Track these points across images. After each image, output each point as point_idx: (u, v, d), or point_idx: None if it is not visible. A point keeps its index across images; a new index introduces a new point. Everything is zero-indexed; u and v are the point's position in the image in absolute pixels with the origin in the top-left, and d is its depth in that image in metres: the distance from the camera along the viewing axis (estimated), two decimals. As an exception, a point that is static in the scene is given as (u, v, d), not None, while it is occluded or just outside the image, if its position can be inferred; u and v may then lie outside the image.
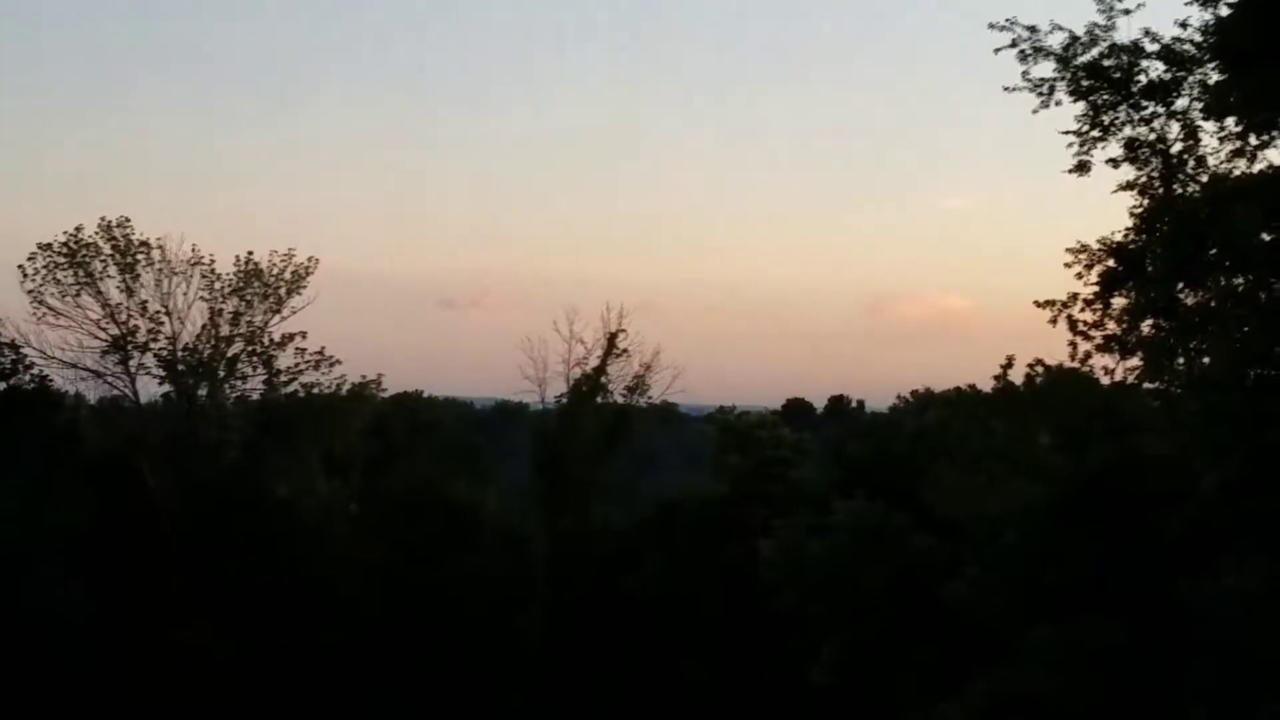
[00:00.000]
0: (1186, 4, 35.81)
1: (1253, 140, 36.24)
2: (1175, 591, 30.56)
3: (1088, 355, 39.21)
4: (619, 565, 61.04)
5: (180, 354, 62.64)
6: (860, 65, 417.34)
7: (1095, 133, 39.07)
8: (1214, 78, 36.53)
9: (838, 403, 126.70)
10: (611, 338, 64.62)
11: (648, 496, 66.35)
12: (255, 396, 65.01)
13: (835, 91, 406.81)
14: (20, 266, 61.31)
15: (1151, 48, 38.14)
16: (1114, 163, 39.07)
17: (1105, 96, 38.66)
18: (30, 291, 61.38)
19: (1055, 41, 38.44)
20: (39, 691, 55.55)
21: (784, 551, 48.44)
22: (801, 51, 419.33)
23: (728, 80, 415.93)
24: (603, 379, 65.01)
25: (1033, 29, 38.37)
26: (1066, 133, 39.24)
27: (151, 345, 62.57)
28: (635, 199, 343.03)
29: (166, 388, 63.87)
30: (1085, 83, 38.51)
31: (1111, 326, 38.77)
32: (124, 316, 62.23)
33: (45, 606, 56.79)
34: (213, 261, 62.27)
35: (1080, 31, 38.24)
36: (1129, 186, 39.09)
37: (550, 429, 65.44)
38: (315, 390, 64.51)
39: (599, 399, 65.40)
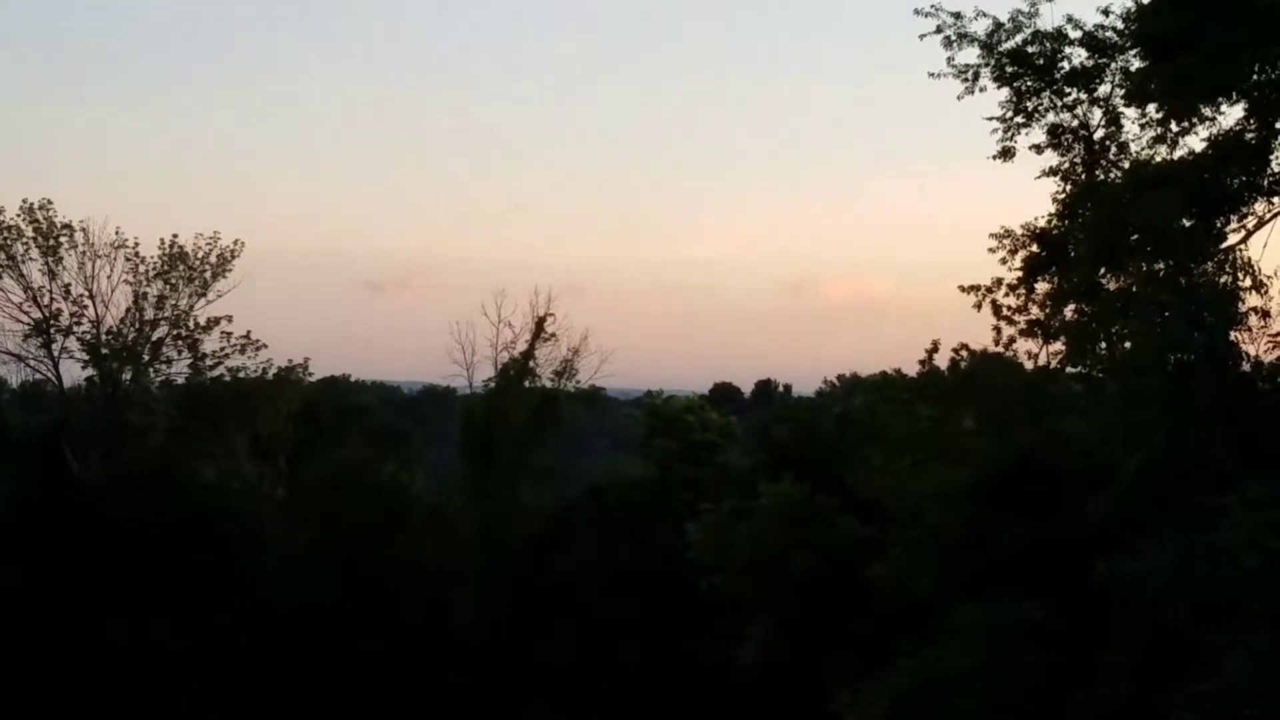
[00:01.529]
0: (1109, -9, 36.28)
1: (1174, 127, 36.81)
2: (1096, 572, 30.89)
3: (1011, 340, 39.78)
4: (548, 547, 61.18)
5: (104, 338, 62.18)
6: (789, 49, 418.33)
7: (1019, 119, 39.60)
8: (1136, 65, 37.06)
9: (764, 387, 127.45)
10: (539, 322, 64.64)
11: (576, 480, 66.48)
12: (181, 381, 64.62)
13: (762, 75, 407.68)
14: (-60, 249, 60.63)
15: (1075, 34, 38.71)
16: (1037, 149, 39.61)
17: (1029, 83, 39.15)
18: (-50, 274, 60.72)
19: (980, 28, 38.94)
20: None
21: (712, 534, 48.66)
22: (729, 35, 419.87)
23: (656, 65, 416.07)
24: (531, 363, 65.00)
25: (957, 15, 38.81)
26: (991, 119, 39.72)
27: (75, 329, 62.10)
28: (561, 181, 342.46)
29: (90, 372, 63.40)
30: (1009, 69, 38.99)
31: (1035, 311, 39.33)
32: (47, 300, 61.72)
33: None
34: (137, 245, 61.84)
35: (1004, 18, 38.72)
36: (1052, 172, 39.65)
37: (478, 413, 65.36)
38: (241, 374, 64.24)
39: (527, 383, 65.39)
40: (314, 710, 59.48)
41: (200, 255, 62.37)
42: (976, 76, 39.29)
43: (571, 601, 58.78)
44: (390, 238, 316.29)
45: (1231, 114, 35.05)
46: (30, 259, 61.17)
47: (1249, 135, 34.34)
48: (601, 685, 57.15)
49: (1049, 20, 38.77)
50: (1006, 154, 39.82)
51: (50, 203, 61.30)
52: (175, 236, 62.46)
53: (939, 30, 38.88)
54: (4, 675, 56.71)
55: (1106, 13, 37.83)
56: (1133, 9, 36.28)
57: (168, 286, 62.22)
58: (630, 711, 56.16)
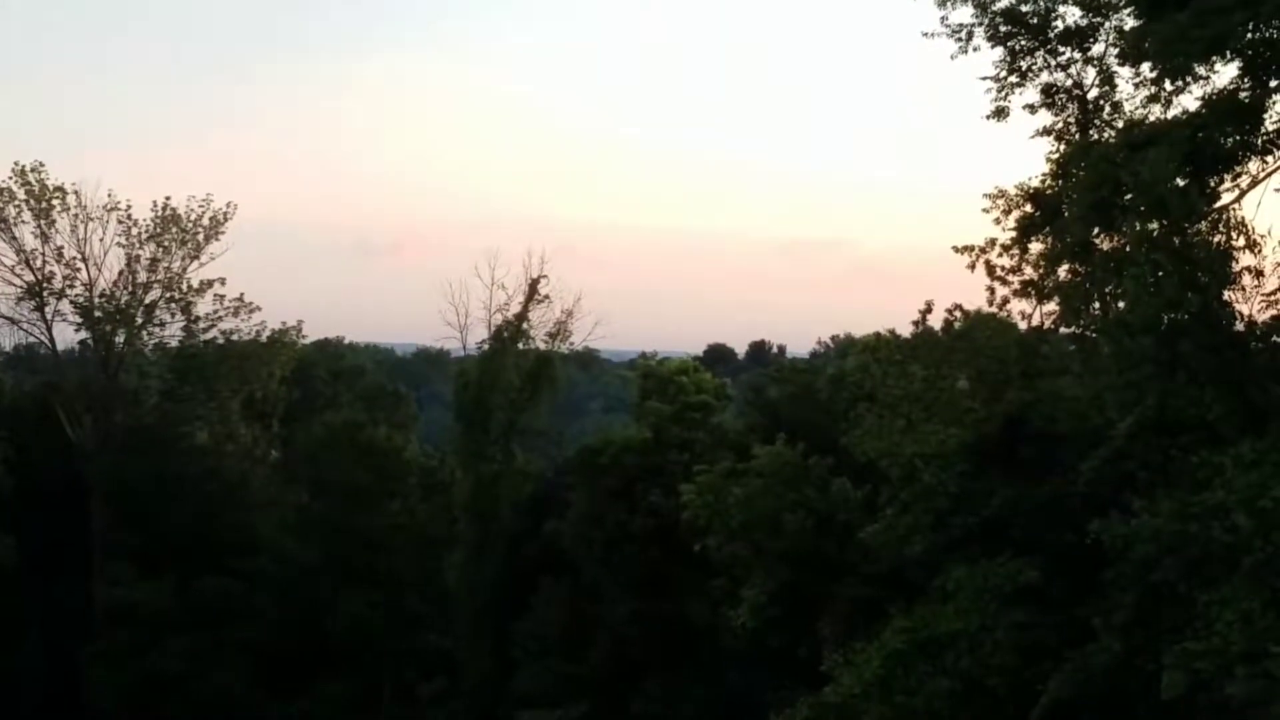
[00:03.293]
0: (1104, -51, 36.06)
1: (1168, 86, 36.52)
2: (1088, 531, 30.93)
3: (1005, 300, 39.67)
4: (542, 509, 61.28)
5: (97, 300, 62.10)
6: (786, 9, 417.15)
7: (1013, 79, 39.36)
8: (1130, 23, 36.80)
9: (759, 348, 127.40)
10: (533, 284, 64.62)
11: (570, 442, 66.52)
12: (174, 343, 64.58)
13: (756, 35, 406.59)
14: (-68, 212, 60.44)
15: (1069, -7, 38.39)
16: (1031, 108, 39.40)
17: (1023, 42, 38.91)
18: (-58, 237, 60.56)
19: (974, -13, 38.57)
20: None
21: (705, 495, 48.64)
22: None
23: (652, 21, 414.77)
24: (524, 325, 65.00)
25: (951, -27, 38.45)
26: (985, 79, 39.50)
27: (68, 292, 62.08)
28: (553, 143, 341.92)
29: (83, 335, 63.45)
30: (1003, 28, 38.73)
31: (1029, 272, 39.18)
32: (39, 263, 61.73)
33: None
34: (129, 208, 61.74)
35: (999, -24, 38.41)
36: (1046, 132, 39.44)
37: (472, 375, 65.36)
38: (234, 337, 64.21)
39: (521, 345, 65.38)
40: (305, 670, 59.69)
41: (193, 218, 62.36)
42: (970, 36, 39.04)
43: (564, 563, 58.88)
44: (383, 200, 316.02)
45: (1225, 73, 34.82)
46: (22, 222, 61.23)
47: (1243, 94, 34.14)
48: (594, 646, 57.29)
49: (1044, -21, 38.55)
50: (1000, 114, 39.61)
51: (42, 165, 61.24)
52: (168, 199, 62.37)
53: (932, -12, 38.67)
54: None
55: (1101, -29, 37.62)
56: (1127, -33, 36.05)
57: (160, 249, 62.21)
58: (623, 673, 56.34)
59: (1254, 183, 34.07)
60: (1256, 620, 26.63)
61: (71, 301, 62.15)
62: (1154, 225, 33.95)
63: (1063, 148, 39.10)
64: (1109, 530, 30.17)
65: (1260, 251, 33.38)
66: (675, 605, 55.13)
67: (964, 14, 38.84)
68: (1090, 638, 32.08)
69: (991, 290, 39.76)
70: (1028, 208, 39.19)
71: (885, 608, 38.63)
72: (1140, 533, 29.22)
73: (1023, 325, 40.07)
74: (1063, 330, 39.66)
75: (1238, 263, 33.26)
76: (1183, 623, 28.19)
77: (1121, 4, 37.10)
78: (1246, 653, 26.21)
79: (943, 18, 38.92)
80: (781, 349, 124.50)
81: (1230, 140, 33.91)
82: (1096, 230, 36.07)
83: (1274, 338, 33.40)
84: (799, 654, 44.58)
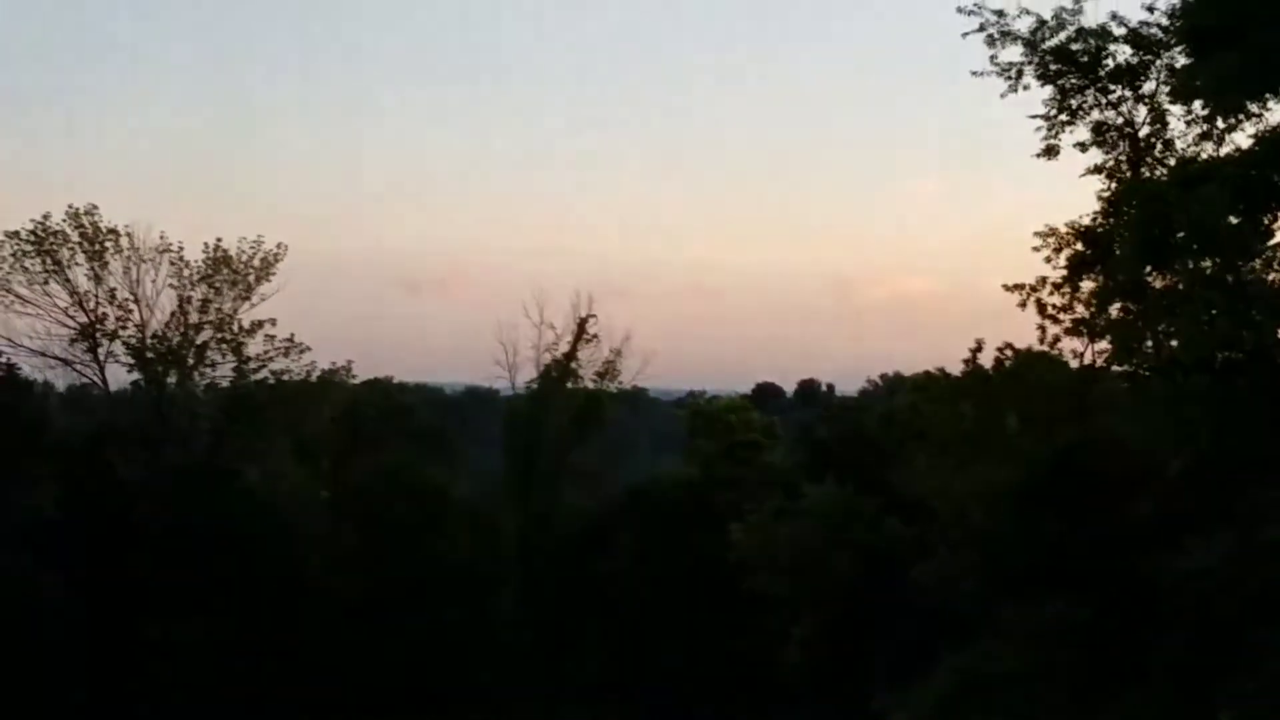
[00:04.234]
0: (1153, -13, 36.08)
1: (1219, 123, 36.57)
2: (1142, 571, 30.76)
3: (1056, 339, 39.60)
4: (590, 548, 61.23)
5: (149, 342, 62.32)
6: (829, 46, 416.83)
7: (1063, 117, 39.39)
8: (1181, 61, 36.80)
9: (808, 386, 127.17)
10: (581, 323, 64.71)
11: (619, 481, 66.49)
12: (225, 384, 64.74)
13: (802, 74, 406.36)
14: (-13, 255, 60.90)
15: (1119, 31, 38.46)
16: (1082, 146, 39.41)
17: (1073, 80, 38.94)
18: (-3, 279, 60.98)
19: (1023, 25, 38.73)
20: (11, 680, 55.36)
21: (755, 534, 48.65)
22: (768, 34, 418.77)
23: (694, 64, 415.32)
24: (573, 364, 65.10)
25: (1000, 13, 38.60)
26: (1035, 116, 39.53)
27: (120, 333, 62.23)
28: (601, 182, 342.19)
29: (136, 375, 63.55)
30: (1053, 67, 38.78)
31: (1080, 310, 39.12)
32: (92, 304, 61.88)
33: (15, 595, 56.60)
34: (181, 249, 61.98)
35: (1048, 15, 38.49)
36: (1097, 170, 39.45)
37: (521, 414, 65.47)
38: (285, 377, 64.26)
39: (569, 384, 65.46)
40: (354, 710, 59.68)
41: (244, 259, 62.48)
42: (1020, 74, 39.11)
43: (613, 602, 58.82)
44: (433, 240, 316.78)
45: (1278, 110, 34.82)
46: (76, 264, 61.37)
47: (1295, 131, 34.12)
48: (643, 685, 57.17)
49: (1093, 17, 38.61)
50: (1051, 152, 39.65)
51: (96, 208, 61.52)
52: (219, 240, 62.62)
53: (982, 28, 38.75)
54: (47, 674, 56.96)
55: (1151, 9, 37.62)
56: (1177, 5, 36.05)
57: (212, 290, 62.35)
58: (673, 713, 56.18)
59: (1307, 221, 33.95)
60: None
61: (124, 343, 62.44)
62: (1207, 263, 33.88)
63: (1114, 185, 39.07)
64: (1162, 569, 30.00)
65: (1315, 289, 33.26)
66: (726, 644, 54.99)
67: (1013, 53, 38.94)
68: (1143, 678, 31.87)
69: (1042, 329, 39.71)
70: (1079, 246, 39.15)
71: (936, 647, 38.45)
72: (1197, 571, 29.04)
73: (1074, 364, 39.98)
74: (1114, 369, 39.55)
75: (1292, 301, 33.13)
76: (1236, 662, 27.99)
77: (1172, 42, 37.08)
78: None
79: (992, 56, 39.04)
80: (830, 387, 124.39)
81: (1283, 177, 33.81)
82: (1148, 268, 35.97)
83: (1328, 376, 33.23)
84: (849, 693, 44.37)
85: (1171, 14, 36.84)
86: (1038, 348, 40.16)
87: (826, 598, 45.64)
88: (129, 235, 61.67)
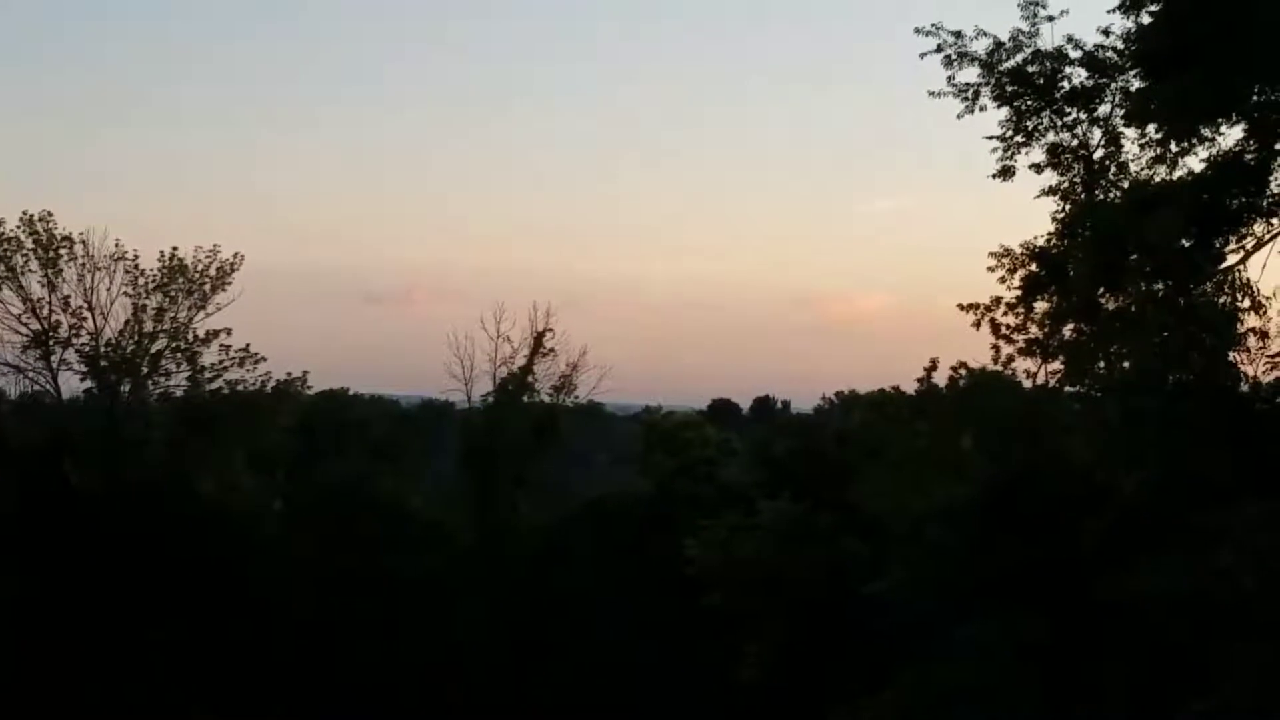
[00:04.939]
0: (1109, 11, 36.39)
1: (1173, 147, 36.81)
2: (1096, 590, 31.01)
3: (1010, 358, 39.74)
4: (547, 563, 61.21)
5: (103, 350, 62.05)
6: (792, 67, 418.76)
7: (1019, 138, 39.58)
8: (1135, 85, 37.11)
9: (763, 403, 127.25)
10: (538, 337, 64.62)
11: (575, 495, 66.48)
12: (179, 393, 64.46)
13: (767, 93, 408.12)
14: (-61, 261, 60.55)
15: (1075, 54, 38.72)
16: (1037, 168, 39.60)
17: (1029, 102, 39.17)
18: (-52, 286, 60.63)
19: (980, 47, 38.89)
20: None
21: (711, 550, 48.75)
22: (735, 53, 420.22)
23: (656, 79, 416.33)
24: (530, 377, 65.02)
25: (958, 34, 38.77)
26: (991, 138, 39.76)
27: (74, 341, 61.92)
28: (560, 195, 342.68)
29: (89, 384, 63.22)
30: (1009, 88, 38.99)
31: (1034, 330, 39.32)
32: (46, 311, 61.54)
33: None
34: (136, 257, 61.73)
35: (1005, 37, 38.74)
36: (1052, 191, 39.64)
37: (477, 427, 65.39)
38: (240, 387, 64.06)
39: (526, 398, 65.41)
40: (313, 724, 59.51)
41: (200, 268, 62.23)
42: (977, 95, 39.32)
43: (570, 616, 58.82)
44: (390, 251, 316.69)
45: (1231, 135, 35.14)
46: (30, 271, 61.05)
47: (1248, 156, 34.43)
48: (601, 700, 57.16)
49: (1049, 40, 38.84)
50: (1006, 173, 39.84)
51: (50, 215, 61.23)
52: (175, 249, 62.38)
53: (939, 49, 38.92)
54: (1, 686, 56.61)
55: (1107, 33, 37.87)
56: (1133, 29, 36.33)
57: (167, 299, 62.08)
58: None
59: (1259, 244, 34.33)
60: (1264, 679, 26.68)
61: (77, 350, 62.12)
62: (1159, 286, 34.23)
63: (1068, 207, 39.33)
64: (1117, 589, 30.26)
65: (1265, 313, 33.67)
66: (682, 660, 55.02)
67: (970, 74, 39.18)
68: (1099, 697, 32.13)
69: (996, 348, 39.88)
70: (1033, 267, 39.34)
71: (892, 664, 38.65)
72: (1148, 592, 29.30)
73: (1027, 384, 40.23)
74: (1068, 389, 39.83)
75: (1243, 324, 33.53)
76: (1191, 681, 28.24)
77: (1127, 66, 37.41)
78: (1255, 711, 26.26)
79: (949, 77, 39.26)
80: (786, 404, 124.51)
81: (1236, 202, 34.19)
82: (1102, 290, 36.31)
83: (1278, 399, 33.57)
84: (805, 709, 44.54)
85: (1126, 37, 37.13)
86: (992, 368, 40.41)
87: (782, 614, 45.78)
88: (84, 242, 61.40)
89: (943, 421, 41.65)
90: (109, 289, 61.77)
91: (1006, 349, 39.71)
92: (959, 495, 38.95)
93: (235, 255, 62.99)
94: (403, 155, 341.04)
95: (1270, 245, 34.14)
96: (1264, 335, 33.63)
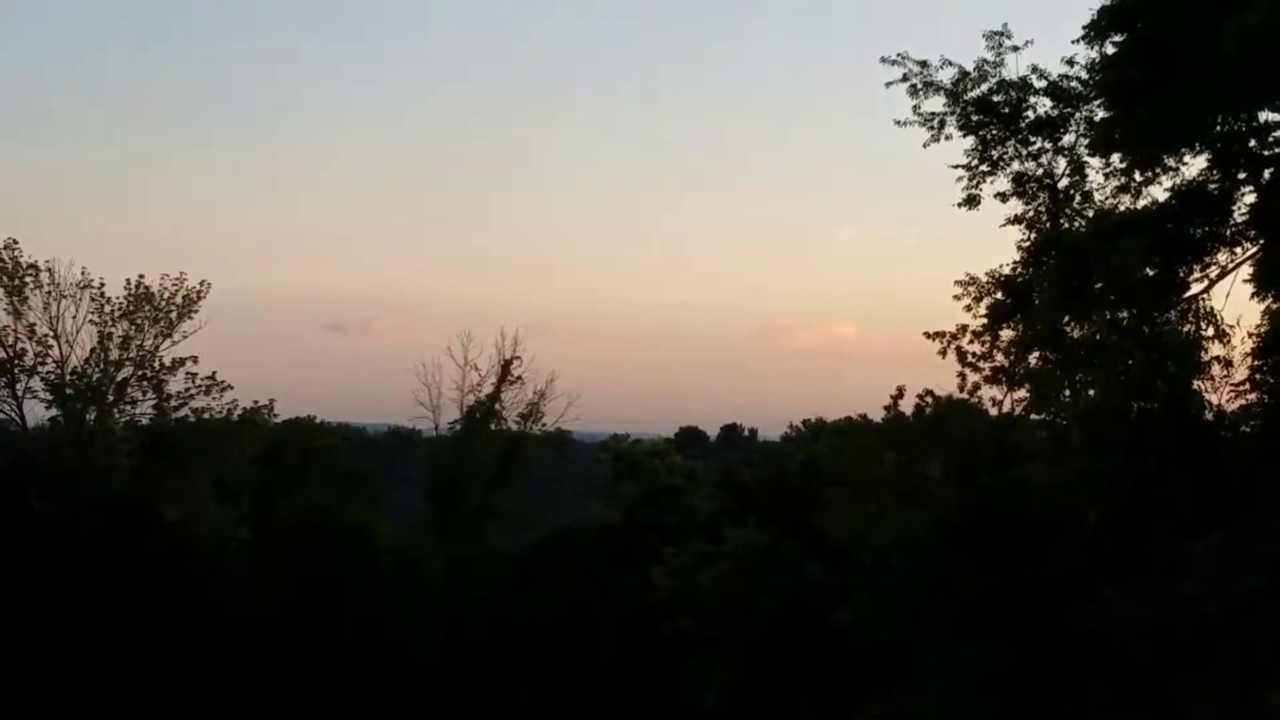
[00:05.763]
0: (1074, 42, 36.64)
1: (1137, 176, 37.09)
2: (1062, 619, 31.02)
3: (976, 386, 39.92)
4: (513, 591, 61.01)
5: (68, 378, 61.74)
6: (757, 95, 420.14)
7: (984, 167, 39.85)
8: (1100, 114, 37.35)
9: (730, 431, 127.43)
10: (506, 365, 64.55)
11: (542, 523, 66.32)
12: (145, 421, 64.14)
13: (731, 120, 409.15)
14: (-96, 288, 60.21)
15: (1039, 84, 39.04)
16: (1002, 196, 39.87)
17: (994, 131, 39.44)
18: (-87, 313, 60.27)
19: (945, 77, 39.20)
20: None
21: (676, 578, 48.66)
22: (701, 80, 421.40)
23: (618, 103, 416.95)
24: (497, 406, 64.92)
25: (923, 64, 39.03)
26: (956, 166, 39.96)
27: (39, 369, 61.58)
28: (526, 224, 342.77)
29: (54, 412, 62.84)
30: (975, 117, 39.25)
31: (1000, 358, 39.48)
32: (11, 339, 61.24)
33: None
34: (102, 285, 61.46)
35: (970, 67, 38.97)
36: (1017, 220, 39.91)
37: (444, 455, 65.21)
38: (206, 415, 63.79)
39: (493, 426, 65.28)
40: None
41: (166, 296, 61.98)
42: (942, 125, 39.57)
43: (536, 645, 58.63)
44: (353, 279, 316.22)
45: (1195, 164, 35.42)
46: (-5, 299, 60.75)
47: (1212, 185, 34.68)
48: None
49: (1014, 70, 39.16)
50: (972, 202, 40.06)
51: (16, 242, 60.94)
52: (141, 277, 62.11)
53: (905, 79, 39.19)
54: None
55: (1071, 63, 38.18)
56: (1097, 60, 36.60)
57: (133, 327, 61.80)
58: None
59: (1223, 273, 34.54)
60: (1229, 706, 26.72)
61: (43, 379, 61.76)
62: (1124, 314, 34.38)
63: (1033, 236, 39.52)
64: (1082, 618, 30.27)
65: (1229, 342, 33.85)
66: (648, 688, 54.86)
67: (936, 103, 39.41)
68: (1063, 725, 32.14)
69: (963, 376, 40.03)
70: (999, 295, 39.52)
71: (857, 692, 38.57)
72: (1112, 621, 29.32)
73: (993, 411, 40.32)
74: (1033, 417, 39.95)
75: (1207, 352, 33.69)
76: (1157, 709, 28.26)
77: (1092, 96, 37.65)
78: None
79: (915, 106, 39.48)
80: (753, 432, 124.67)
81: (1199, 231, 34.41)
82: (1067, 318, 36.49)
83: (1243, 428, 33.69)
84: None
85: (1090, 67, 37.41)
86: (958, 395, 40.49)
87: (748, 642, 45.66)
88: (49, 270, 61.11)
89: (909, 449, 41.65)
90: (75, 317, 61.49)
91: (972, 377, 39.91)
92: (924, 523, 38.96)
93: (202, 283, 62.80)
94: (365, 184, 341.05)
95: (1234, 274, 34.39)
96: (1228, 363, 33.82)
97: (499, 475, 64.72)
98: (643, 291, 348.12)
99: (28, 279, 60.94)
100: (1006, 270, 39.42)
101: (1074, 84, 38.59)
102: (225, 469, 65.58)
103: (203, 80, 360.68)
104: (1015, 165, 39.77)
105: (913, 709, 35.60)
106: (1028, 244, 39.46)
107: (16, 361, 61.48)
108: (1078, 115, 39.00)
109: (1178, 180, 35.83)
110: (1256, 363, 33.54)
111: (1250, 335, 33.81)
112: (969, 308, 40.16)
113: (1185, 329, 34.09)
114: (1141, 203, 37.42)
